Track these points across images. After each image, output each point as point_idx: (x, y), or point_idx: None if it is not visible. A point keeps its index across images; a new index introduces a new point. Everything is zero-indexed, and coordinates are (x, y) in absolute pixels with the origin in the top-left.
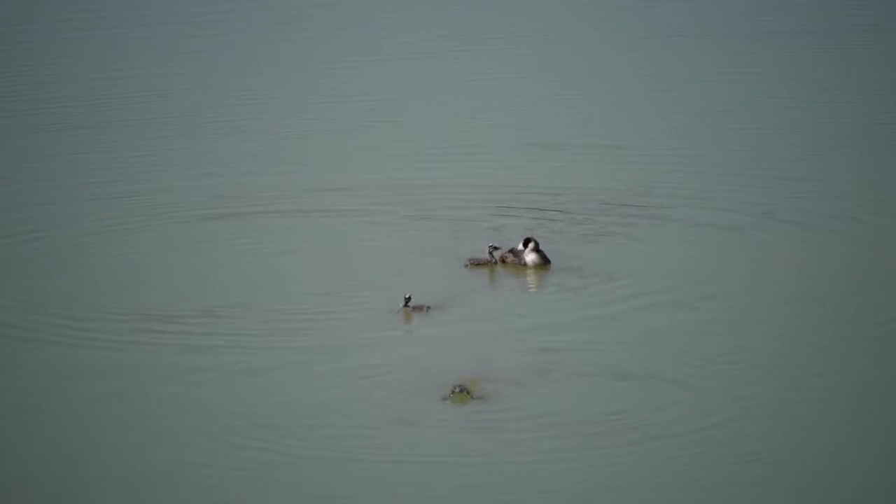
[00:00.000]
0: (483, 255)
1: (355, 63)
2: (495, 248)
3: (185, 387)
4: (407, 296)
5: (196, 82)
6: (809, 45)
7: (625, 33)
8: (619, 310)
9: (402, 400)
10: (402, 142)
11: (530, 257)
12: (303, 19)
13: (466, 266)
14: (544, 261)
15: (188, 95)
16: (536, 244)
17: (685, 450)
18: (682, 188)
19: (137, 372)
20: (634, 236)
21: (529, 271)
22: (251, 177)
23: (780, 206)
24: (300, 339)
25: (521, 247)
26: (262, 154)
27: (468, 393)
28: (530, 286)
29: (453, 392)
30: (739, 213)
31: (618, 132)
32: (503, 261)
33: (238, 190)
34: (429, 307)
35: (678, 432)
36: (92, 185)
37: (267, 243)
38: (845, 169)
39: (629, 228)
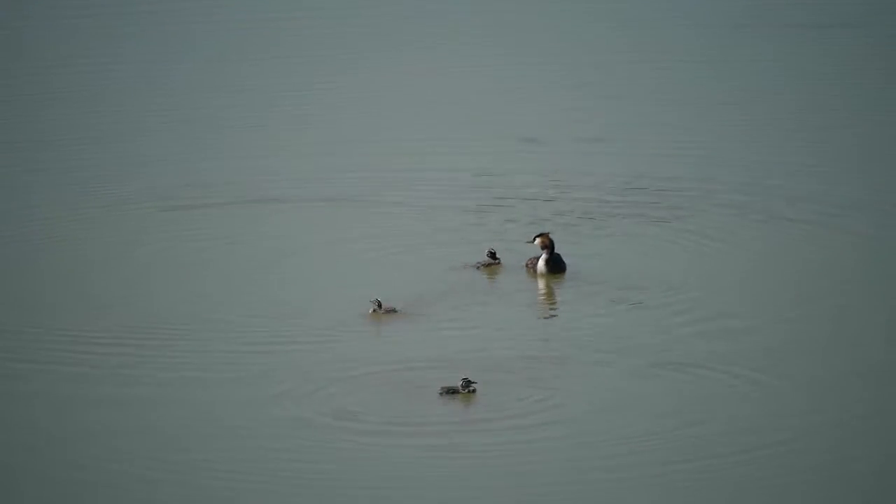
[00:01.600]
0: (484, 258)
1: (344, 58)
2: (493, 255)
3: (155, 393)
4: (375, 300)
5: (169, 73)
6: (810, 37)
7: (627, 30)
8: (613, 314)
9: (375, 406)
10: (401, 139)
11: (540, 263)
12: (291, 13)
13: (478, 268)
14: (557, 268)
15: (168, 87)
16: (552, 243)
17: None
18: (686, 184)
19: (105, 383)
20: (639, 235)
21: (540, 278)
22: (239, 170)
23: (795, 201)
24: (267, 346)
25: (531, 241)
26: (250, 147)
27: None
28: (524, 291)
29: (441, 393)
30: (750, 209)
31: (618, 128)
32: (527, 266)
33: (220, 182)
34: (398, 309)
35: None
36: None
37: (245, 238)
38: (849, 161)
39: (636, 226)
